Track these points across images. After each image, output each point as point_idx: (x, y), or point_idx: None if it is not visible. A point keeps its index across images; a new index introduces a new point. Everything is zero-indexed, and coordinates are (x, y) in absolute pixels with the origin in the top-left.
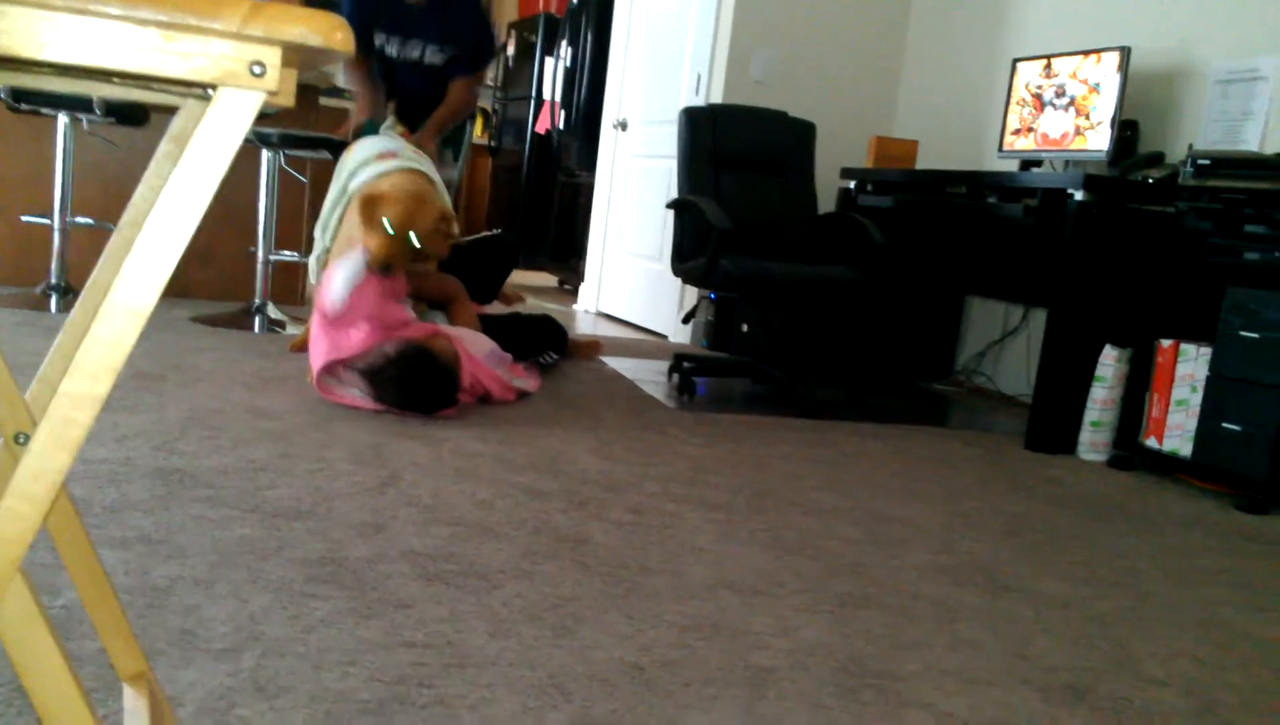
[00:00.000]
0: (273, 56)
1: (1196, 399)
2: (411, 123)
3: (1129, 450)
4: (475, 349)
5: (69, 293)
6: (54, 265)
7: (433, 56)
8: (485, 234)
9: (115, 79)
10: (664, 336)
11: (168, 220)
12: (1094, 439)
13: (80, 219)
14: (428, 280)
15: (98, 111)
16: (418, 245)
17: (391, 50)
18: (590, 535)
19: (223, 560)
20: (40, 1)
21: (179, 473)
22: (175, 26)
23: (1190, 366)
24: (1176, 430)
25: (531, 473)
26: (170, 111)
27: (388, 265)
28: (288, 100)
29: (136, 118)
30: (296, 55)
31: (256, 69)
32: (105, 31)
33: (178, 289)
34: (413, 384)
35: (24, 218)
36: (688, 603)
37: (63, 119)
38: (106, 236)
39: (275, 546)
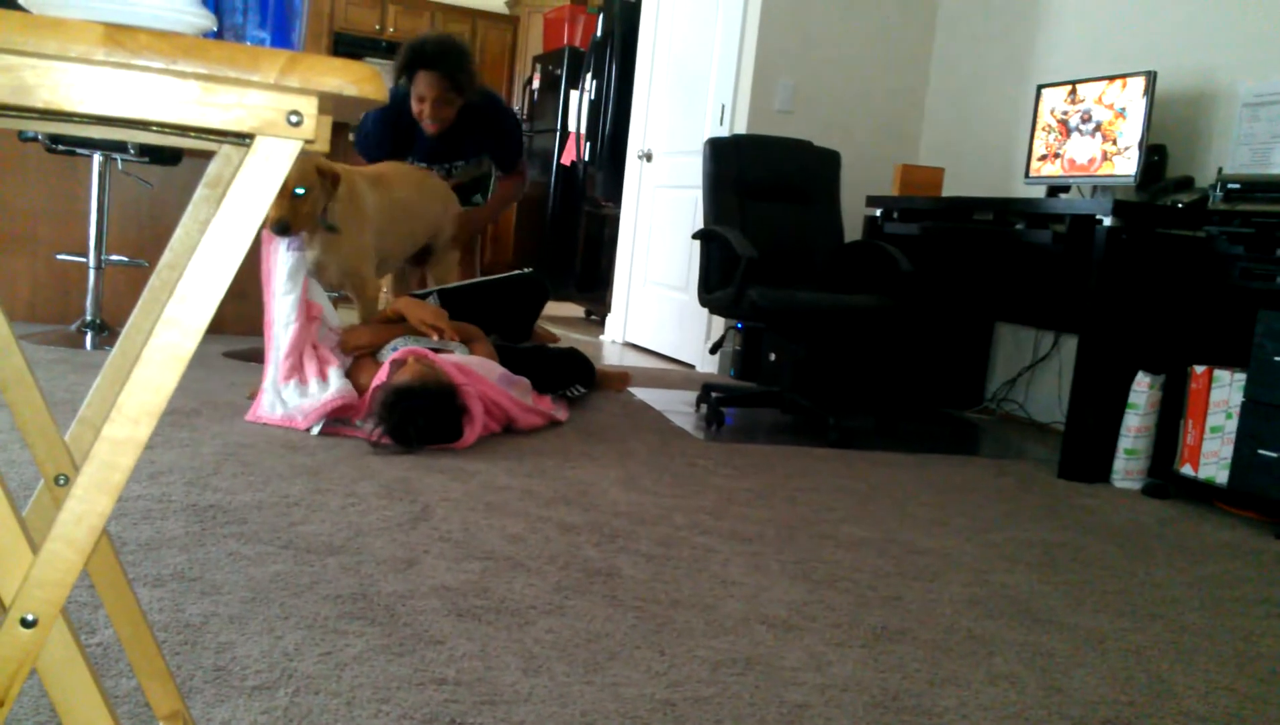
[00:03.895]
0: (309, 106)
1: (1232, 426)
2: None
3: (1164, 478)
4: (484, 372)
5: (104, 330)
6: (89, 303)
7: (460, 173)
8: (514, 273)
9: (154, 128)
10: (691, 366)
11: (208, 266)
12: (1128, 467)
13: (115, 257)
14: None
15: (132, 151)
16: (300, 191)
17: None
18: (621, 569)
19: (256, 597)
20: (83, 57)
21: (213, 509)
22: (215, 79)
23: (1224, 392)
24: (1212, 457)
25: (561, 506)
26: (205, 153)
27: (284, 224)
28: (323, 147)
29: (170, 157)
30: (331, 102)
31: (293, 118)
32: (146, 85)
33: (210, 324)
34: (416, 421)
35: (59, 256)
36: (719, 637)
37: (97, 159)
38: (140, 274)
39: (308, 582)
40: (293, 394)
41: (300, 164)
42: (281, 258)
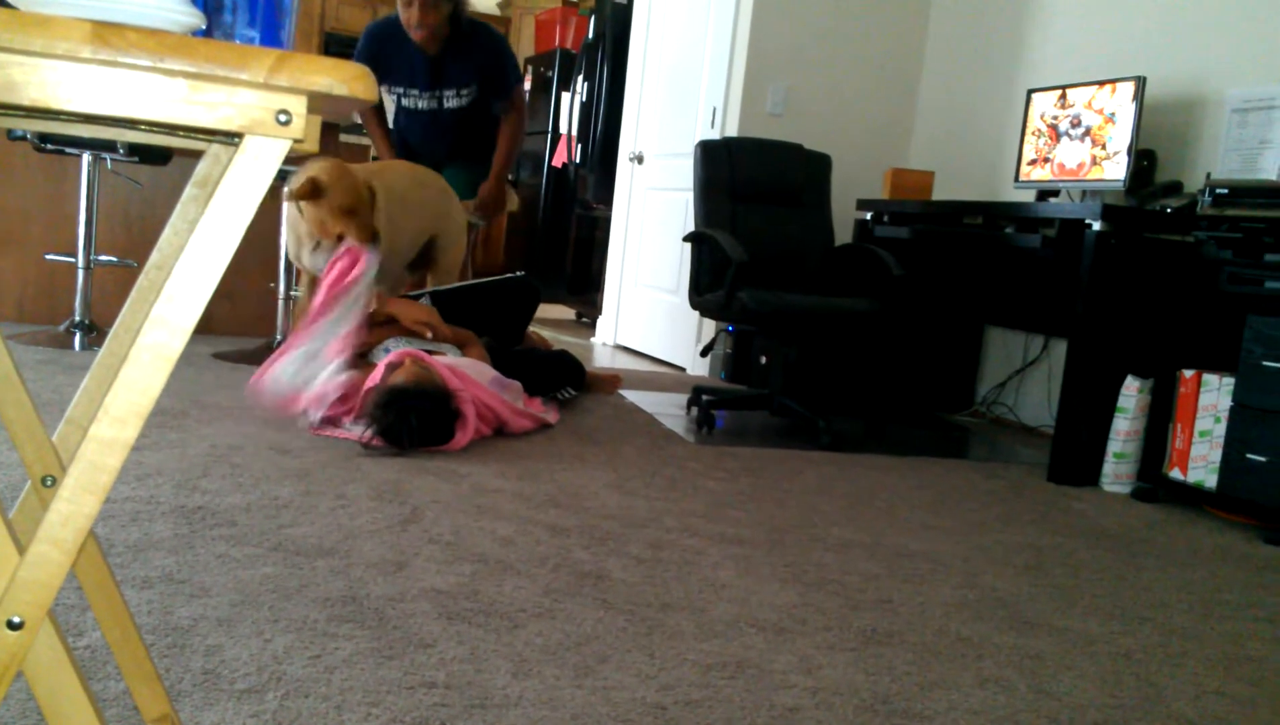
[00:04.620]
0: (298, 105)
1: (1220, 430)
2: (430, 161)
3: (1153, 482)
4: (477, 375)
5: (92, 330)
6: (78, 303)
7: (452, 101)
8: (506, 276)
9: (142, 126)
10: (682, 369)
11: (195, 266)
12: (1117, 471)
13: (104, 257)
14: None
15: (121, 151)
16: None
17: (409, 102)
18: (611, 572)
19: (245, 599)
20: (70, 54)
21: (201, 511)
22: (203, 77)
23: (1213, 397)
24: (1201, 461)
25: (552, 509)
26: (194, 153)
27: (375, 233)
28: (312, 146)
29: (160, 157)
30: (321, 102)
31: (282, 117)
32: (133, 83)
33: (199, 325)
34: (410, 421)
35: (48, 256)
36: (710, 640)
37: (86, 158)
38: (129, 274)
39: (297, 585)
40: (318, 368)
41: (351, 185)
42: (363, 274)
